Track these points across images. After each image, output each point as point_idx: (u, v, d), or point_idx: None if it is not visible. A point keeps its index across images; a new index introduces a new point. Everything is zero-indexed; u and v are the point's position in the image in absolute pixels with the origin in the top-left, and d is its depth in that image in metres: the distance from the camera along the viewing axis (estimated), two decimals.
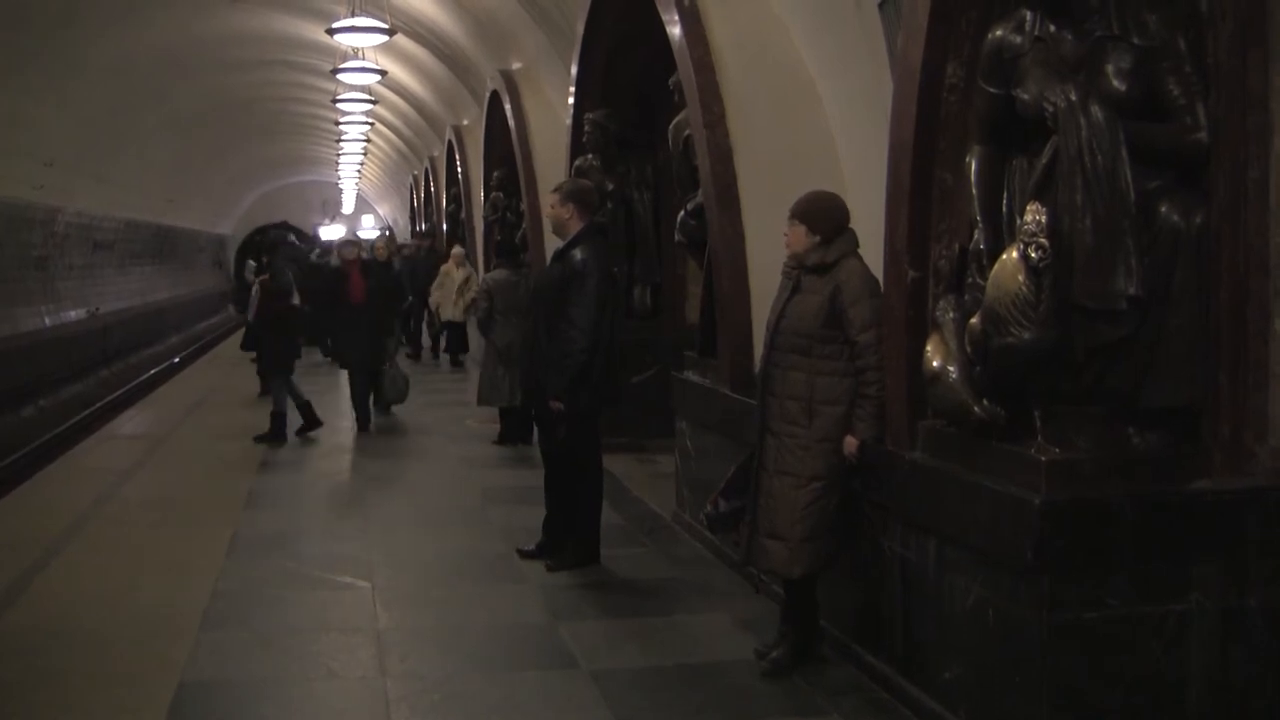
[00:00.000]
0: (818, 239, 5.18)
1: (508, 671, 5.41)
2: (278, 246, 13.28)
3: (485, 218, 17.29)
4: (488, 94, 15.90)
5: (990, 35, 4.48)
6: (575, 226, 6.84)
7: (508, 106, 14.46)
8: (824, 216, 5.22)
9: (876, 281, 5.16)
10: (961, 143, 4.73)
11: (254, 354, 13.51)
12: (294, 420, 11.54)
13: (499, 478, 9.84)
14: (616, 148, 10.89)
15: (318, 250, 25.13)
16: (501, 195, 16.47)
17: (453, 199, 22.08)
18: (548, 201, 7.25)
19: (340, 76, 17.78)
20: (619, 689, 5.14)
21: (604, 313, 6.70)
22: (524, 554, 7.16)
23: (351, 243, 13.18)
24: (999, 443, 4.28)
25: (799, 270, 5.23)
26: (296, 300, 12.44)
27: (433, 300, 16.92)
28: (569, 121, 11.33)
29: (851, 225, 5.29)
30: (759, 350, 5.73)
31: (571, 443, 6.92)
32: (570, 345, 6.64)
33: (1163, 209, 4.06)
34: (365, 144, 30.95)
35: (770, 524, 5.16)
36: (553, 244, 7.31)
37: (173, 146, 27.73)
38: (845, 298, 5.08)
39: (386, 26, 14.49)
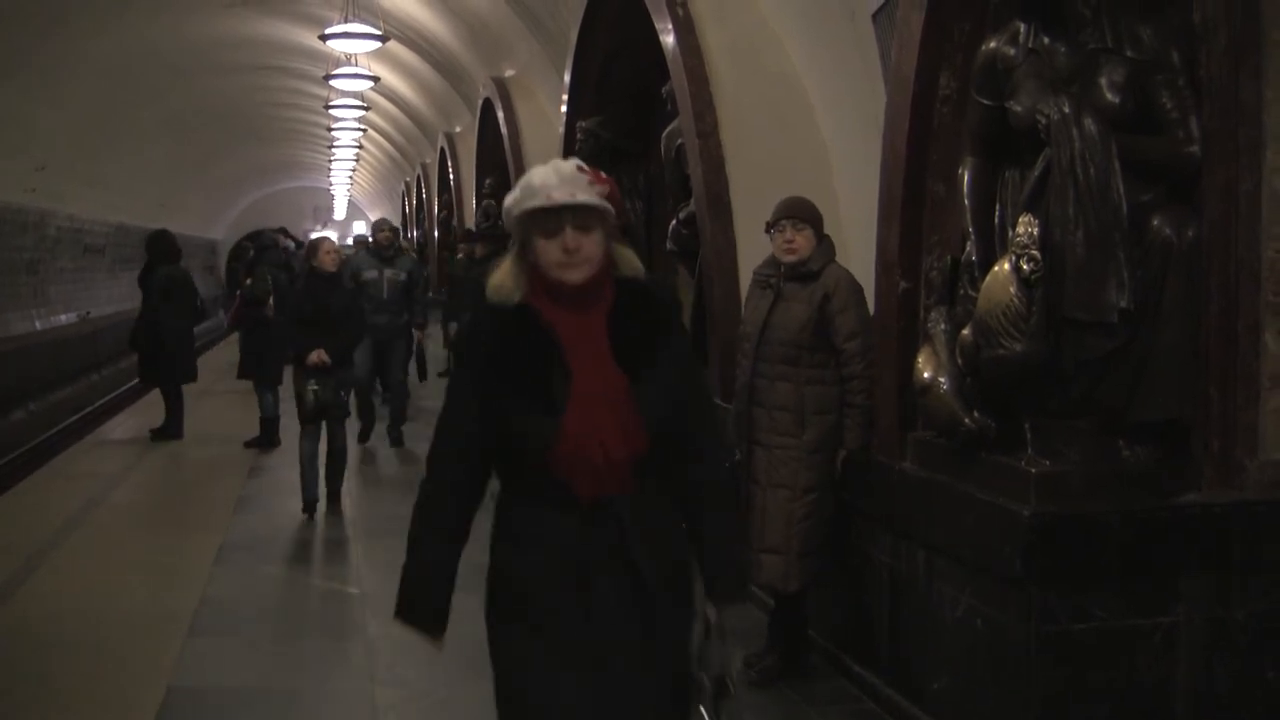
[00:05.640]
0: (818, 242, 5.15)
1: None
2: (265, 250, 12.31)
3: (477, 225, 17.27)
4: (480, 101, 15.89)
5: (984, 47, 4.49)
6: None
7: (500, 114, 14.45)
8: (820, 220, 5.19)
9: (861, 288, 5.14)
10: (954, 154, 4.74)
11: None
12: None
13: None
14: (609, 156, 10.86)
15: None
16: (494, 202, 16.43)
17: (444, 206, 22.05)
18: None
19: (333, 82, 17.79)
20: None
21: None
22: None
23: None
24: (989, 454, 4.28)
25: (778, 278, 5.16)
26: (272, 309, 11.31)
27: None
28: (561, 129, 11.31)
29: (843, 235, 5.28)
30: None
31: None
32: None
33: (1154, 222, 4.07)
34: (357, 150, 30.97)
35: (764, 538, 5.11)
36: None
37: (165, 151, 27.66)
38: (835, 304, 5.01)
39: (379, 33, 14.50)
